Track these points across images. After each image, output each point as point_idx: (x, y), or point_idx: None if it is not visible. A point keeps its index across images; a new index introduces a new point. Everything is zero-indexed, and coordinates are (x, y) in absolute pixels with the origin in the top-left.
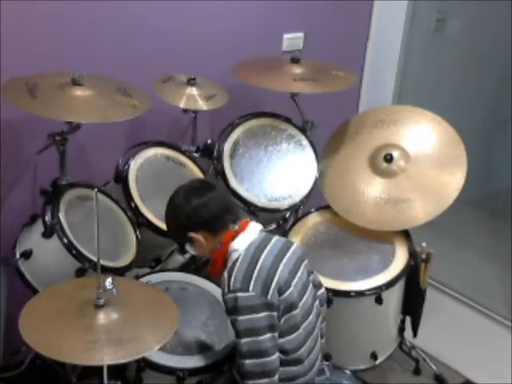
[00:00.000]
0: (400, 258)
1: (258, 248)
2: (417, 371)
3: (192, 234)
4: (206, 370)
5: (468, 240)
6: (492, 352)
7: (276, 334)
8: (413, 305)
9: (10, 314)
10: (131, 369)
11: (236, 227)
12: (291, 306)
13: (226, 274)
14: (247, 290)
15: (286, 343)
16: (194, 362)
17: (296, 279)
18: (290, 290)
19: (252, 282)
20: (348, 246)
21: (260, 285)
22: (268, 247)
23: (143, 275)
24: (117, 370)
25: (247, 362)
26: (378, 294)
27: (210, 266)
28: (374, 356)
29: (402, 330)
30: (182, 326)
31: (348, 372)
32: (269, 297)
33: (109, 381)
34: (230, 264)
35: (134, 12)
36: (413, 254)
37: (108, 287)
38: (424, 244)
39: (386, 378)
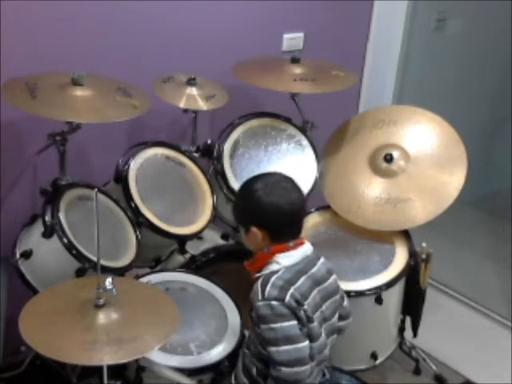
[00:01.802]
0: (400, 258)
1: (300, 271)
2: (417, 371)
3: (254, 229)
4: (205, 370)
5: (468, 240)
6: (492, 352)
7: (308, 343)
8: (413, 305)
9: (10, 313)
10: (131, 369)
11: (291, 243)
12: (310, 338)
13: (260, 282)
14: (283, 300)
15: None
16: (194, 362)
17: (318, 313)
18: (315, 323)
19: (288, 296)
20: (348, 246)
21: (293, 301)
22: (309, 273)
23: (143, 275)
24: (117, 370)
25: (285, 370)
26: (378, 294)
27: (249, 263)
28: (374, 356)
29: (402, 330)
30: (182, 326)
31: (347, 372)
32: (300, 313)
33: (109, 381)
34: (266, 272)
35: (134, 12)
36: (413, 254)
37: (108, 287)
38: (424, 244)
39: (386, 378)
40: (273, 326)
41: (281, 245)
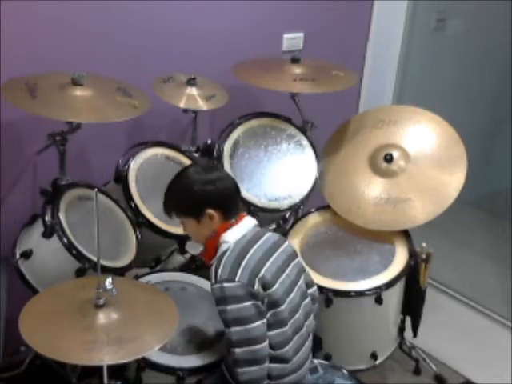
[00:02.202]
0: (400, 258)
1: (249, 242)
2: (417, 371)
3: (210, 210)
4: (205, 370)
5: (468, 240)
6: (492, 352)
7: (265, 321)
8: (413, 305)
9: (10, 313)
10: (131, 369)
11: (233, 220)
12: (276, 303)
13: (213, 265)
14: (233, 280)
15: (271, 337)
16: (194, 361)
17: (283, 276)
18: (276, 286)
19: (239, 273)
20: (348, 246)
21: (246, 275)
22: (259, 242)
23: (143, 275)
24: (118, 370)
25: (237, 350)
26: (378, 294)
27: (203, 254)
28: (374, 356)
29: (402, 330)
30: (182, 325)
31: (342, 370)
32: (254, 288)
33: (109, 381)
34: (218, 254)
35: (134, 12)
36: (413, 254)
37: (108, 287)
38: (424, 244)
39: (386, 378)
40: (225, 307)
41: (224, 224)
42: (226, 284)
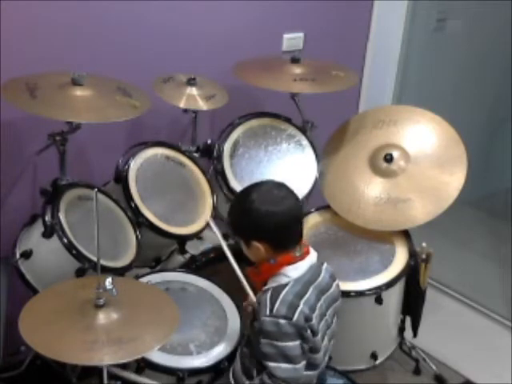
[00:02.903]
0: (400, 258)
1: (308, 282)
2: (417, 371)
3: (255, 243)
4: (205, 371)
5: (468, 240)
6: (492, 352)
7: (305, 362)
8: (413, 305)
9: (10, 314)
10: (131, 369)
11: (297, 253)
12: (316, 349)
13: (269, 296)
14: (291, 319)
15: None
16: (194, 362)
17: (322, 322)
18: (319, 335)
19: (296, 314)
20: (348, 246)
21: (302, 319)
22: (316, 282)
23: (143, 275)
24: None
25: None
26: (378, 294)
27: (253, 272)
28: (374, 356)
29: (402, 330)
30: (182, 325)
31: (334, 369)
32: (307, 332)
33: (109, 381)
34: (274, 285)
35: (134, 12)
36: (413, 254)
37: (108, 287)
38: (424, 244)
39: (386, 378)
40: (275, 343)
41: (287, 255)
42: (282, 321)
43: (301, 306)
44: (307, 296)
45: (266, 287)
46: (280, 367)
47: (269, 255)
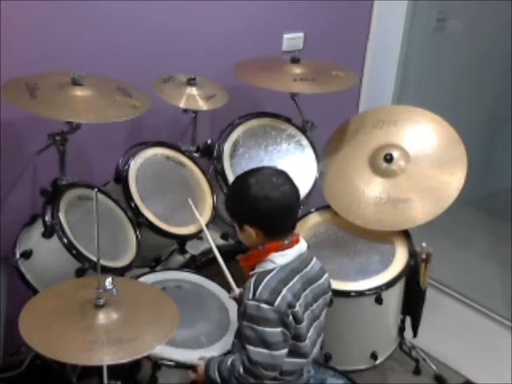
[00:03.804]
0: (400, 258)
1: (294, 270)
2: (417, 371)
3: (247, 227)
4: None
5: (468, 240)
6: (492, 352)
7: (287, 350)
8: (413, 305)
9: (10, 314)
10: (145, 367)
11: (286, 241)
12: (299, 337)
13: (253, 281)
14: (272, 305)
15: (284, 363)
16: (208, 353)
17: (308, 311)
18: (304, 323)
19: (278, 300)
20: (348, 246)
21: (283, 305)
22: (302, 272)
23: (140, 275)
24: (129, 371)
25: (260, 369)
26: (378, 294)
27: (243, 258)
28: (374, 356)
29: (402, 330)
30: (186, 321)
31: (334, 369)
32: (289, 319)
33: (109, 381)
34: (260, 270)
35: (134, 12)
36: (413, 254)
37: (108, 287)
38: (424, 244)
39: (386, 378)
40: (255, 327)
41: (276, 243)
42: (263, 305)
43: (283, 292)
44: (292, 283)
45: (252, 272)
46: (256, 351)
47: (259, 241)
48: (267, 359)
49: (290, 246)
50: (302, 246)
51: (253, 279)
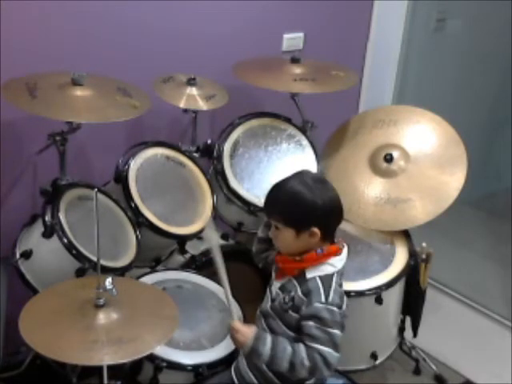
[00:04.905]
0: (400, 258)
1: (341, 273)
2: (417, 371)
3: (315, 229)
4: (222, 362)
5: (468, 240)
6: (492, 352)
7: None
8: (413, 305)
9: (10, 314)
10: (147, 369)
11: (340, 246)
12: None
13: (322, 284)
14: (341, 308)
15: None
16: (210, 356)
17: None
18: None
19: (344, 303)
20: (348, 246)
21: (346, 310)
22: (343, 272)
23: (141, 276)
24: (131, 373)
25: (325, 369)
26: (378, 294)
27: (288, 260)
28: (374, 356)
29: (402, 330)
30: (188, 322)
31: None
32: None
33: (109, 381)
34: (321, 274)
35: (134, 12)
36: (413, 254)
37: (108, 287)
38: (424, 244)
39: (386, 378)
40: (329, 330)
41: (334, 246)
42: (336, 309)
43: (344, 296)
44: (343, 287)
45: (310, 275)
46: (328, 351)
47: (318, 244)
48: (335, 360)
49: (342, 249)
50: (346, 249)
51: (319, 282)
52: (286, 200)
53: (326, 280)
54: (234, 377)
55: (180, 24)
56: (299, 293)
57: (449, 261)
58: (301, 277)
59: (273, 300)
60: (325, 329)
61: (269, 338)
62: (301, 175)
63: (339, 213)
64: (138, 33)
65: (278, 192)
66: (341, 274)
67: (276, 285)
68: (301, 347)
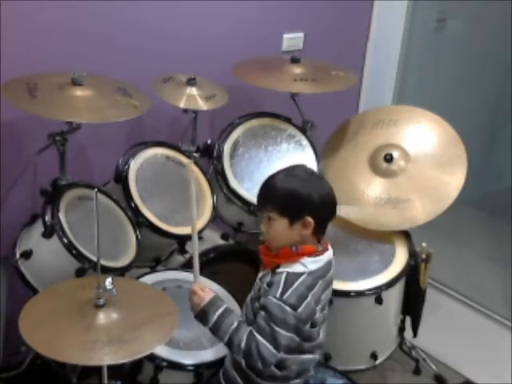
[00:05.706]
0: (400, 258)
1: (319, 276)
2: (417, 371)
3: (309, 219)
4: (222, 362)
5: (468, 240)
6: (492, 352)
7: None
8: (413, 305)
9: (10, 313)
10: (147, 369)
11: (320, 247)
12: (309, 338)
13: (283, 279)
14: (295, 310)
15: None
16: (211, 355)
17: (322, 313)
18: (317, 327)
19: (302, 307)
20: (348, 246)
21: (305, 314)
22: (325, 277)
23: (141, 276)
24: (130, 373)
25: (258, 361)
26: (378, 294)
27: (268, 253)
28: (374, 356)
29: (402, 330)
30: (188, 322)
31: (334, 369)
32: (305, 327)
33: (109, 381)
34: (290, 270)
35: (134, 12)
36: (413, 254)
37: (108, 287)
38: (424, 244)
39: (386, 378)
40: (273, 325)
41: (310, 247)
42: (289, 309)
43: (308, 298)
44: (315, 289)
45: (280, 270)
46: (264, 344)
47: (309, 237)
48: (270, 357)
49: (322, 252)
50: (330, 253)
51: (282, 278)
52: (283, 189)
53: (291, 278)
54: (222, 378)
55: (180, 24)
56: (265, 284)
57: (449, 261)
58: (274, 270)
59: (254, 290)
60: (270, 324)
61: (222, 308)
62: (296, 167)
63: (333, 205)
64: (137, 33)
65: (274, 181)
66: (319, 277)
67: (259, 276)
68: (245, 330)
